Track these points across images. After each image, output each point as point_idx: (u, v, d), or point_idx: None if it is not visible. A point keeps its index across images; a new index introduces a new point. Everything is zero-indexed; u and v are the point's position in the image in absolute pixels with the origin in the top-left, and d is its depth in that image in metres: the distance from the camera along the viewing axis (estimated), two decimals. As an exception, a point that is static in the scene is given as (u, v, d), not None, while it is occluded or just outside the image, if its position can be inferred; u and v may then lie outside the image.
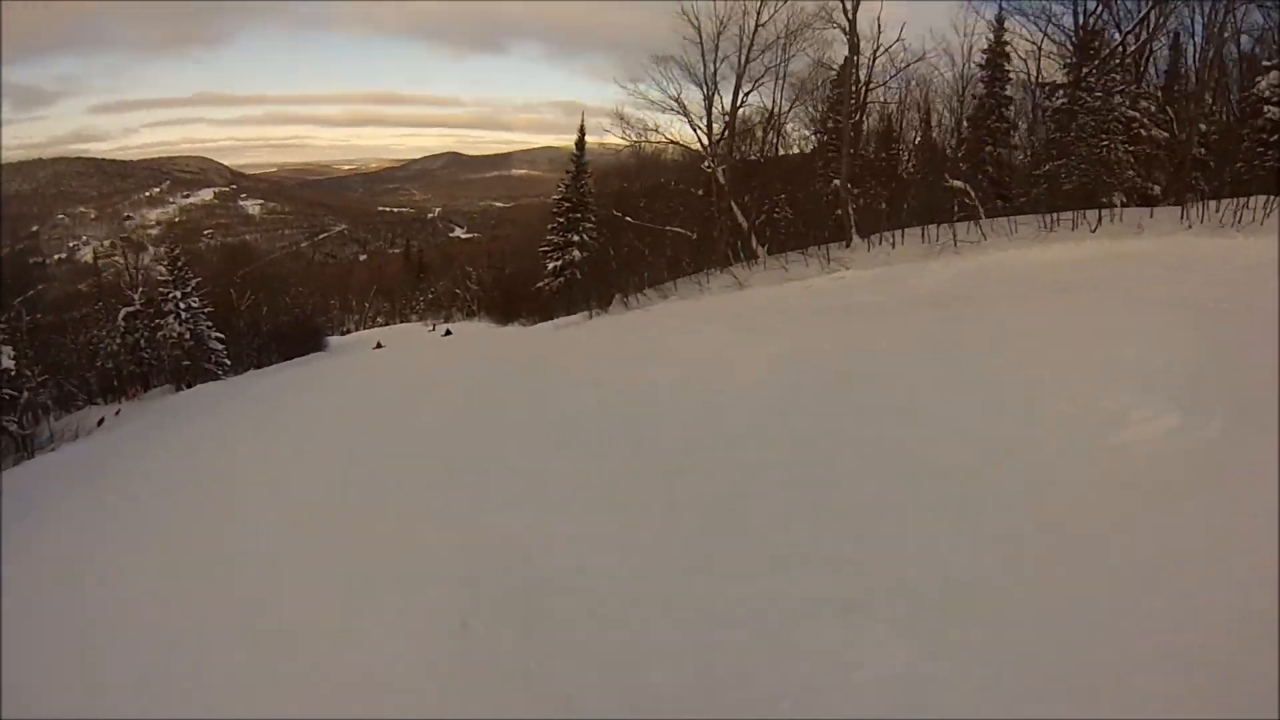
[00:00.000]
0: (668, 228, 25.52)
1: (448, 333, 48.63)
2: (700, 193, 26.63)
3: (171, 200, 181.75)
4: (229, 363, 32.68)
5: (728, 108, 25.31)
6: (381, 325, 76.25)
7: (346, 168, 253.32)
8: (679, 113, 25.17)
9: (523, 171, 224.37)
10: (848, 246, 21.16)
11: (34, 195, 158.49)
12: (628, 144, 27.42)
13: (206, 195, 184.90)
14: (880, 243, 20.56)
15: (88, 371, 30.21)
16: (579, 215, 34.91)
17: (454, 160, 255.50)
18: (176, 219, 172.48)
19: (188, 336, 30.19)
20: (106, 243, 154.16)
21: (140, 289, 31.61)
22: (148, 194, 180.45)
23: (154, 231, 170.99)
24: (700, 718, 3.71)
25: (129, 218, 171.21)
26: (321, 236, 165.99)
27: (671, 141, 26.54)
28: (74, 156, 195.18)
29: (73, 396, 29.21)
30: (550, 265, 35.18)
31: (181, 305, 30.44)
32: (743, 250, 23.10)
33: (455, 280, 76.38)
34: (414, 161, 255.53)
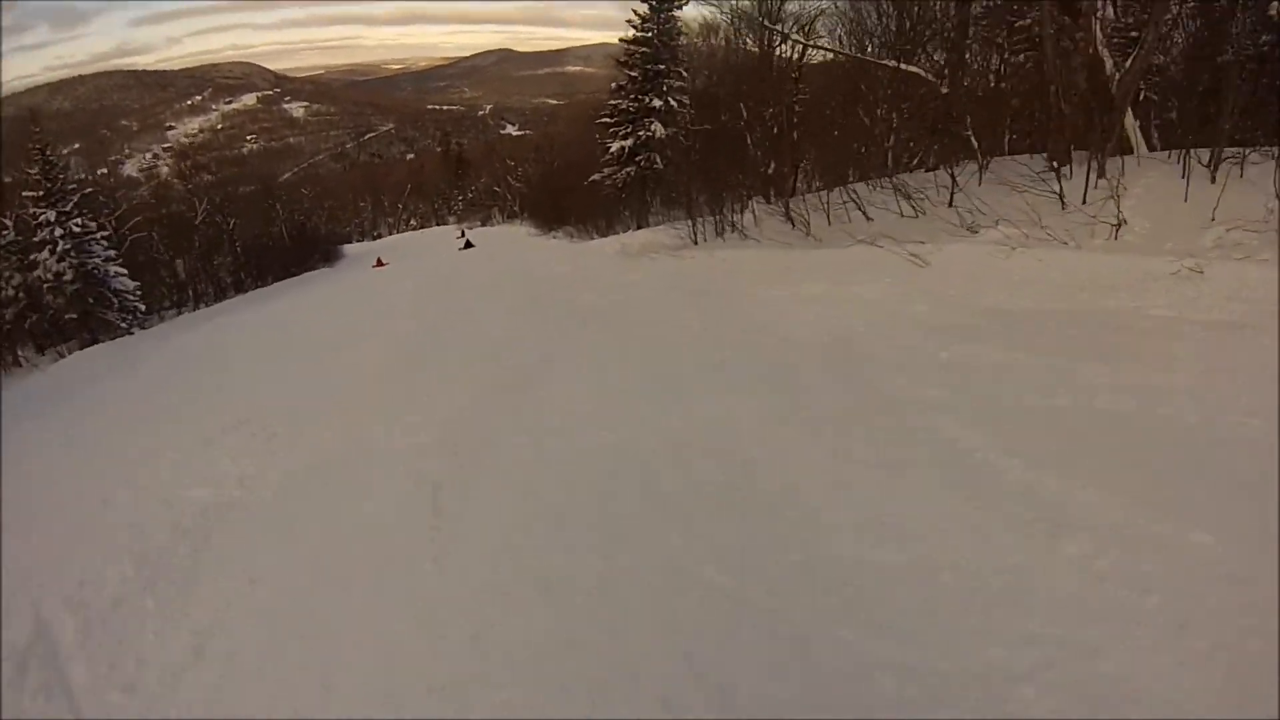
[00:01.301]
0: (902, 64, 12.66)
1: (467, 244, 37.83)
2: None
3: (214, 107, 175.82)
4: (142, 308, 22.85)
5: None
6: (414, 229, 66.65)
7: (395, 67, 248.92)
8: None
9: (577, 68, 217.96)
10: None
11: (75, 112, 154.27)
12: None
13: (249, 100, 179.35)
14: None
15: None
16: (662, 69, 23.14)
17: (506, 57, 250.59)
18: (219, 126, 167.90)
19: (69, 277, 20.39)
20: (149, 154, 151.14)
21: (10, 212, 21.28)
22: (189, 103, 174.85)
23: (197, 139, 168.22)
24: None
25: (171, 127, 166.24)
26: (368, 136, 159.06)
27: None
28: (114, 71, 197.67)
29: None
30: (614, 146, 23.73)
31: (59, 233, 20.53)
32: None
33: (496, 177, 65.22)
34: (464, 59, 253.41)
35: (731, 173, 15.53)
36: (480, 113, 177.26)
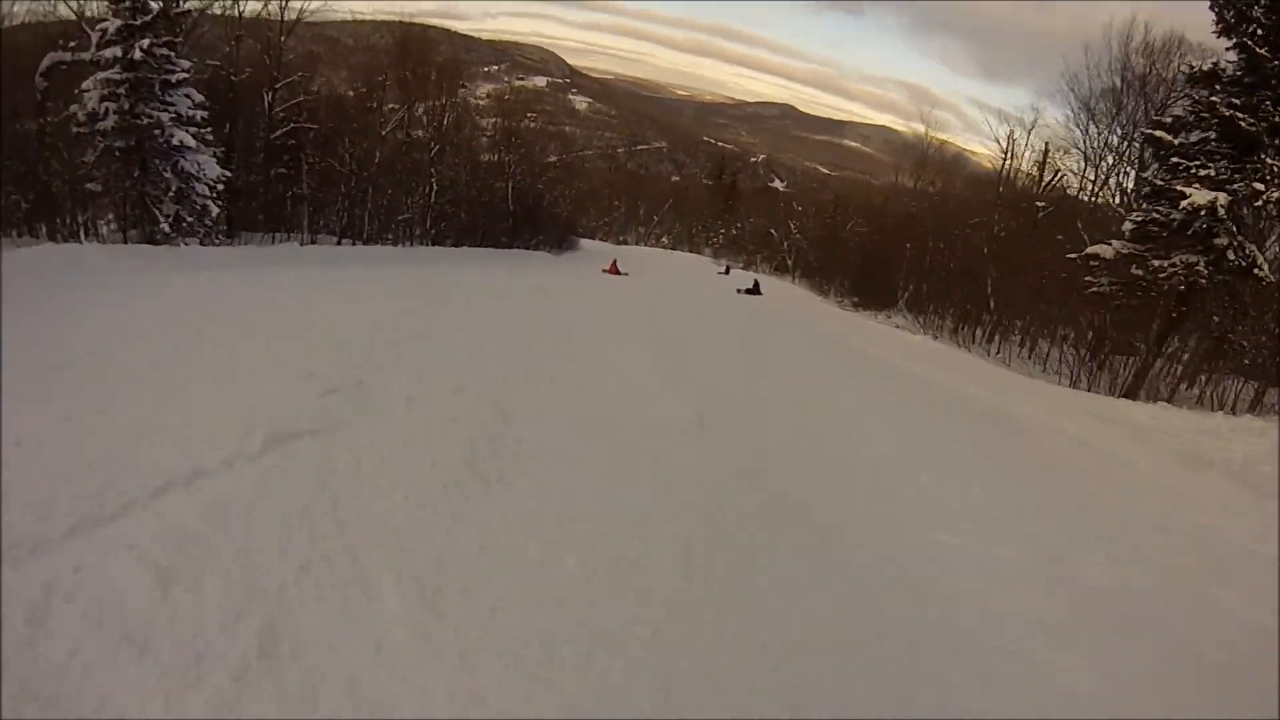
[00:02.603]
0: None
1: (753, 289, 28.38)
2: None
3: (506, 80, 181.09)
4: (214, 211, 14.47)
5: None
6: (664, 247, 58.38)
7: (681, 93, 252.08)
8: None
9: (854, 144, 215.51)
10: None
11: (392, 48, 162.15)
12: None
13: (540, 82, 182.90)
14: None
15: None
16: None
17: (788, 113, 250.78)
18: (506, 96, 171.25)
19: (109, 124, 12.49)
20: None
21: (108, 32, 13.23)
22: (486, 69, 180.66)
23: (483, 102, 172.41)
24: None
25: (464, 85, 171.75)
26: (639, 147, 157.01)
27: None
28: (432, 25, 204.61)
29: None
30: (1191, 196, 12.12)
31: (168, 97, 13.04)
32: None
33: (774, 221, 55.96)
34: (749, 104, 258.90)
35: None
36: (753, 159, 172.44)
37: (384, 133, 26.04)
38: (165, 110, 13.33)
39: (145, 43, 13.05)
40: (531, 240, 31.92)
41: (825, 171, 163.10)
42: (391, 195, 26.74)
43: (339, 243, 23.63)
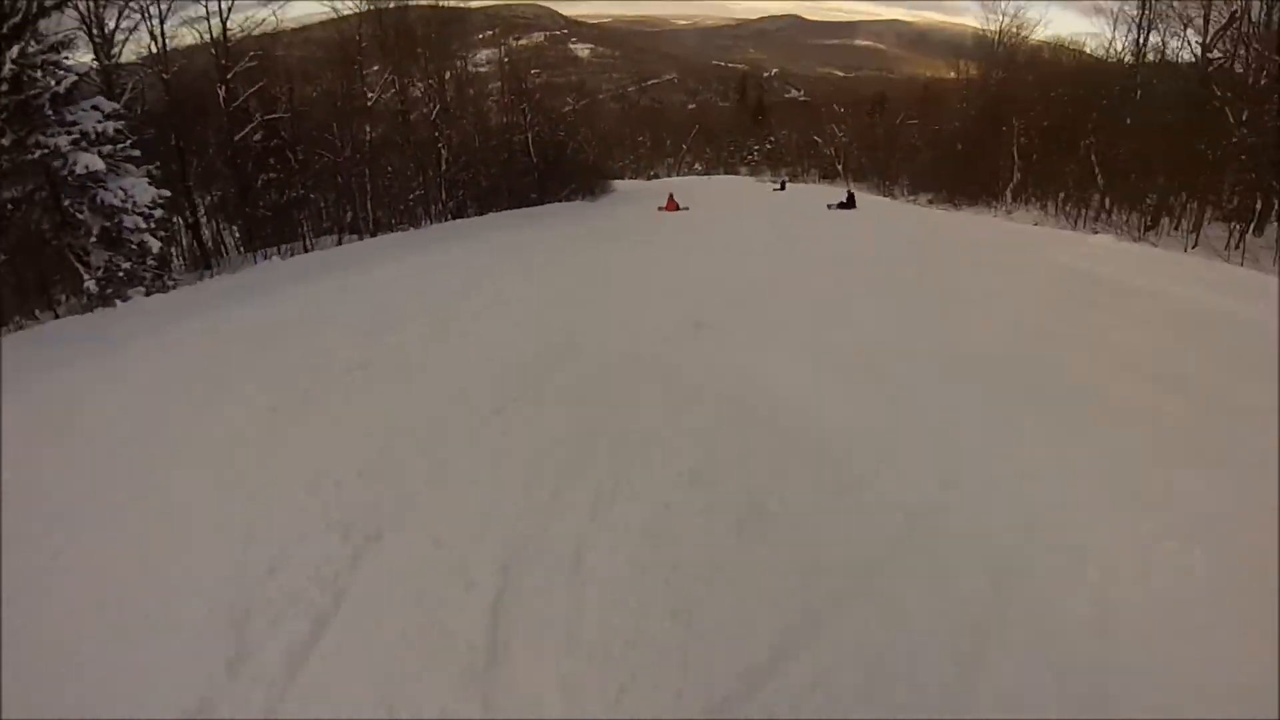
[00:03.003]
0: None
1: (846, 201, 24.76)
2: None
3: (503, 43, 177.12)
4: (154, 248, 11.50)
5: None
6: (698, 174, 54.51)
7: (682, 23, 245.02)
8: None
9: (867, 43, 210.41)
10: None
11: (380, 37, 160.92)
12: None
13: (538, 38, 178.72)
14: None
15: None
16: None
17: (795, 24, 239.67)
18: (505, 60, 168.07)
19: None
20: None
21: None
22: (479, 37, 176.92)
23: (484, 70, 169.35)
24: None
25: (461, 58, 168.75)
26: (650, 83, 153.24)
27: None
28: (415, 5, 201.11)
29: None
30: None
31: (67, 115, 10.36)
32: None
33: (805, 131, 52.09)
34: (752, 21, 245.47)
35: None
36: (766, 75, 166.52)
37: (369, 103, 22.94)
38: (65, 132, 10.39)
39: (15, 51, 10.12)
40: (563, 193, 28.70)
41: (840, 74, 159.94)
42: (393, 175, 23.80)
43: (340, 242, 20.63)
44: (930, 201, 31.09)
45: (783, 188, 38.90)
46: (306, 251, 18.76)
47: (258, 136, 19.51)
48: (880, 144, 42.40)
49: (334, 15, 27.08)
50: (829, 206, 24.32)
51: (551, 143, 30.04)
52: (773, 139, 57.93)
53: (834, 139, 48.17)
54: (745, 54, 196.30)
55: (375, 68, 25.66)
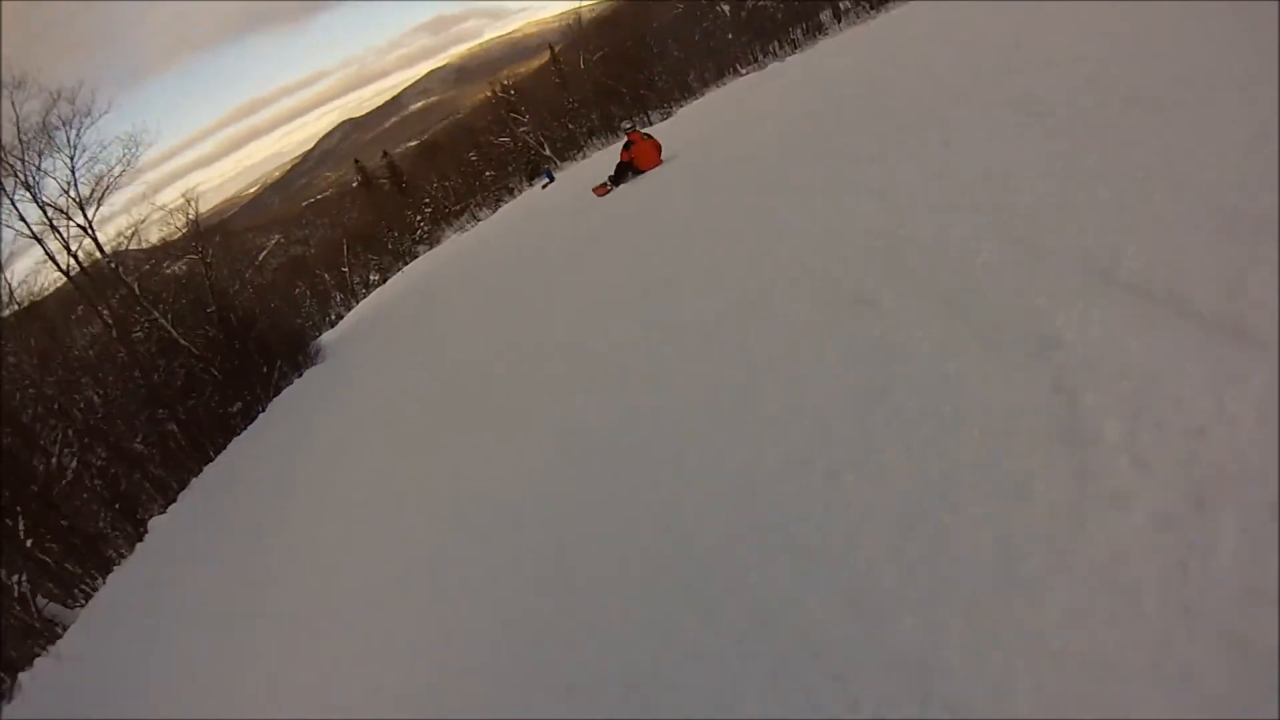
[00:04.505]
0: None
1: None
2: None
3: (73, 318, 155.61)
4: None
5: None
6: (405, 265, 42.55)
7: (252, 194, 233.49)
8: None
9: (420, 104, 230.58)
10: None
11: None
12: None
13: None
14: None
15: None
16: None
17: (351, 127, 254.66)
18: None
19: None
20: None
21: None
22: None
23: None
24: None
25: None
26: (261, 255, 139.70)
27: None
28: None
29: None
30: None
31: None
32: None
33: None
34: (311, 151, 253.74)
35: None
36: (357, 180, 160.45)
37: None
38: None
39: None
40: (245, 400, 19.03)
41: (421, 140, 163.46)
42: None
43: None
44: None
45: (551, 179, 29.91)
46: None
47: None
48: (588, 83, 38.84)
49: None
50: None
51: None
52: (449, 180, 48.07)
53: (517, 135, 42.12)
54: (326, 179, 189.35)
55: None
